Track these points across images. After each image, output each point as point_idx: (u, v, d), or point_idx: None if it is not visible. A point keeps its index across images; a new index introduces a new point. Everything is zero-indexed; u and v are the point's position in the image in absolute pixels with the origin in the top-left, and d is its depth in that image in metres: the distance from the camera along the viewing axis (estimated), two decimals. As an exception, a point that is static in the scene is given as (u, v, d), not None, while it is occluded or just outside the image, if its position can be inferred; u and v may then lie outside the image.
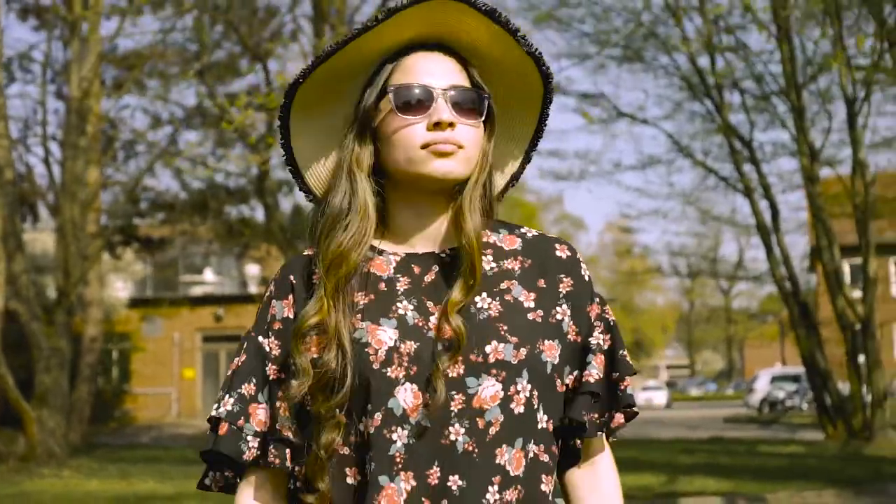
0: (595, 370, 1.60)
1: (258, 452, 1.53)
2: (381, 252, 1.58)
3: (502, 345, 1.50)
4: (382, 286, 1.55)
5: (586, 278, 1.64)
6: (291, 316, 1.55)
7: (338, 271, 1.50)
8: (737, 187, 18.01)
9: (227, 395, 1.56)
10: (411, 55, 1.57)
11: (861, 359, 17.20)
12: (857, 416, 16.74)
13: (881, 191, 23.40)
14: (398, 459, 1.46)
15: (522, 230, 1.65)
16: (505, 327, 1.52)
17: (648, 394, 42.90)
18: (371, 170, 1.56)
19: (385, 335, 1.50)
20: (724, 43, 17.19)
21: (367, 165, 1.55)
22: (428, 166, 1.52)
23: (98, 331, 18.88)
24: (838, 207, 19.84)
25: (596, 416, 1.60)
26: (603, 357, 1.61)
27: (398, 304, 1.53)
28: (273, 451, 1.52)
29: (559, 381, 1.57)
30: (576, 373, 1.59)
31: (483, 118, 1.57)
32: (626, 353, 1.64)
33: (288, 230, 17.96)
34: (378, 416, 1.47)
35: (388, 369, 1.48)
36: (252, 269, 32.51)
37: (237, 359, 1.58)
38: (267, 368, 1.56)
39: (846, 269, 37.39)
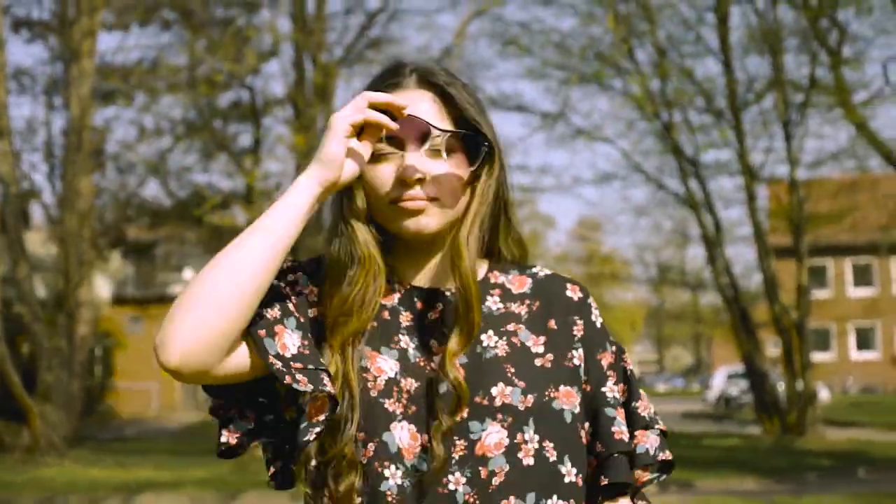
0: (623, 426, 1.52)
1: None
2: (387, 280, 1.49)
3: (509, 388, 1.43)
4: (386, 314, 1.48)
5: (598, 324, 1.56)
6: (310, 299, 1.48)
7: (345, 328, 1.41)
8: (686, 202, 19.53)
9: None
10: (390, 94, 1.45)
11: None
12: (791, 413, 18.29)
13: (833, 197, 25.04)
14: (390, 499, 1.38)
15: (534, 270, 1.58)
16: (512, 370, 1.45)
17: (613, 389, 44.06)
18: (368, 218, 1.47)
19: (385, 364, 1.43)
20: (673, 67, 18.71)
21: (362, 212, 1.46)
22: (398, 224, 1.45)
23: (89, 330, 20.07)
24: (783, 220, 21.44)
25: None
26: (623, 411, 1.54)
27: (400, 337, 1.46)
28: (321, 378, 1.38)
29: (582, 431, 1.49)
30: (587, 426, 1.51)
31: (470, 158, 1.47)
32: (640, 404, 1.56)
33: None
34: (371, 447, 1.39)
35: (387, 401, 1.40)
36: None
37: None
38: (290, 303, 1.45)
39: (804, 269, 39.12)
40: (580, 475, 1.46)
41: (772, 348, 29.47)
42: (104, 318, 30.39)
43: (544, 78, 19.79)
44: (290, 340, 1.40)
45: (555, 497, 1.42)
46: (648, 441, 1.54)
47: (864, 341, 39.55)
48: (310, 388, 1.37)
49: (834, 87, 18.81)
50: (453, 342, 1.42)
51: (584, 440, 1.49)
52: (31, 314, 16.70)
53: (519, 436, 1.41)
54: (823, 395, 29.16)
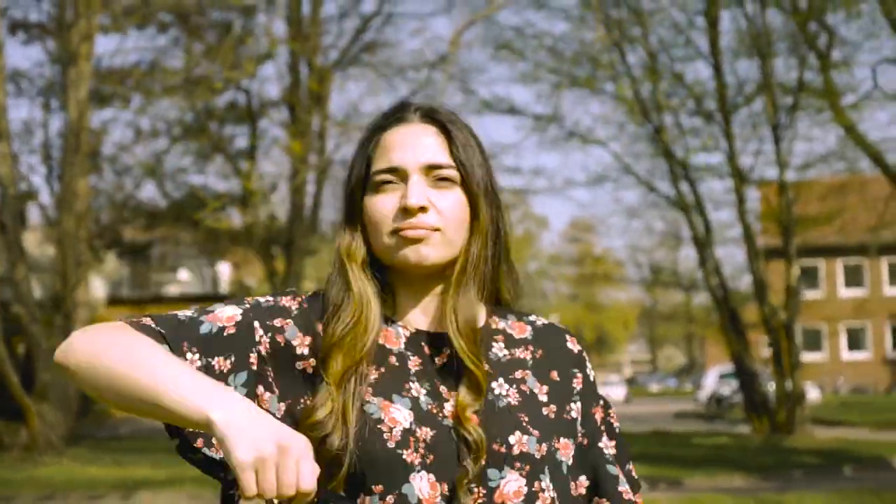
0: (628, 487, 1.54)
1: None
2: (392, 322, 1.49)
3: (526, 437, 1.42)
4: (393, 360, 1.45)
5: (591, 377, 1.57)
6: (299, 351, 1.43)
7: (334, 363, 1.39)
8: (677, 204, 19.76)
9: (196, 354, 1.39)
10: (389, 130, 1.48)
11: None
12: (780, 412, 18.54)
13: (822, 199, 25.32)
14: None
15: (531, 318, 1.58)
16: (526, 418, 1.44)
17: (606, 389, 44.22)
18: (366, 259, 1.47)
19: (399, 415, 1.39)
20: (664, 71, 18.95)
21: (360, 255, 1.47)
22: (399, 253, 1.43)
23: (86, 330, 20.29)
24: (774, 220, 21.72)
25: None
26: (622, 470, 1.56)
27: (411, 385, 1.43)
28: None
29: (573, 483, 1.50)
30: (583, 479, 1.52)
31: (469, 197, 1.46)
32: (632, 466, 1.58)
33: (265, 237, 19.30)
34: (390, 500, 1.36)
35: (404, 452, 1.37)
36: (224, 269, 33.78)
37: (224, 315, 1.43)
38: (252, 357, 1.40)
39: (796, 269, 39.39)
40: None
41: (764, 348, 29.68)
42: (100, 318, 30.55)
43: (537, 81, 20.02)
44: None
45: None
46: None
47: (855, 341, 39.83)
48: (219, 455, 1.35)
49: (823, 91, 19.11)
50: (463, 395, 1.41)
51: (573, 492, 1.50)
52: (29, 315, 16.89)
53: (536, 484, 1.41)
54: (814, 394, 29.42)
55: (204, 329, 1.41)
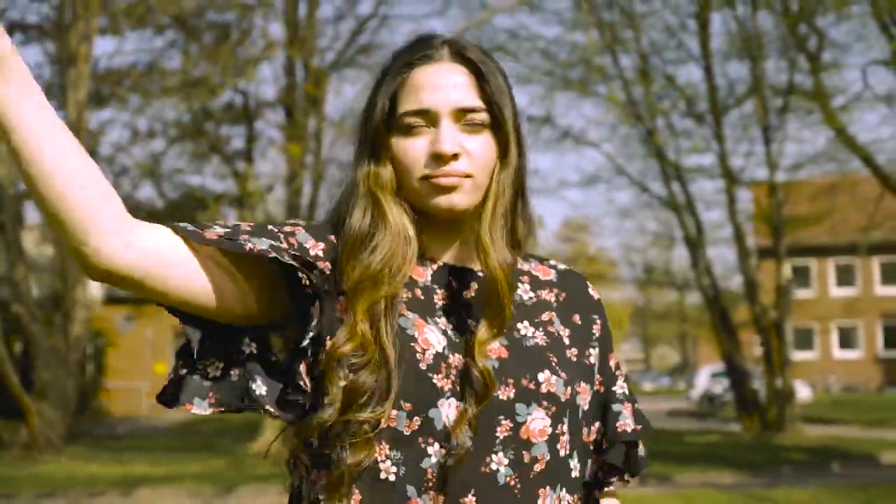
0: (629, 420, 1.55)
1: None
2: (419, 255, 1.46)
3: (554, 377, 1.42)
4: (419, 293, 1.44)
5: (607, 325, 1.58)
6: (313, 252, 1.41)
7: (370, 293, 1.36)
8: (669, 204, 20.00)
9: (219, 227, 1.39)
10: (417, 69, 1.44)
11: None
12: (770, 410, 18.79)
13: (813, 199, 25.59)
14: (430, 475, 1.34)
15: (551, 262, 1.58)
16: (555, 360, 1.44)
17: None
18: (395, 188, 1.44)
19: (433, 337, 1.39)
20: (657, 74, 19.18)
21: (389, 185, 1.43)
22: (429, 200, 1.41)
23: (83, 329, 20.42)
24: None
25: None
26: (630, 406, 1.56)
27: (437, 319, 1.43)
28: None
29: (585, 429, 1.50)
30: (597, 424, 1.53)
31: (497, 139, 1.44)
32: (639, 407, 1.60)
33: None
34: (417, 421, 1.34)
35: (435, 376, 1.36)
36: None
37: (237, 226, 1.40)
38: (280, 241, 1.38)
39: (788, 268, 39.71)
40: (581, 471, 1.49)
41: (756, 347, 29.94)
42: (96, 317, 30.69)
43: (530, 84, 20.24)
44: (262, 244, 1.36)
45: (565, 490, 1.43)
46: (644, 450, 1.60)
47: (847, 340, 40.09)
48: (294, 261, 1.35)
49: (813, 92, 19.35)
50: (483, 331, 1.39)
51: (586, 438, 1.51)
52: (29, 314, 17.07)
53: (559, 426, 1.41)
54: (805, 393, 29.68)
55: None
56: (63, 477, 13.58)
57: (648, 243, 45.75)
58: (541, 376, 1.41)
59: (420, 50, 1.46)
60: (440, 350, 1.38)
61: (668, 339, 74.64)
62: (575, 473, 1.46)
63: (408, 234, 1.42)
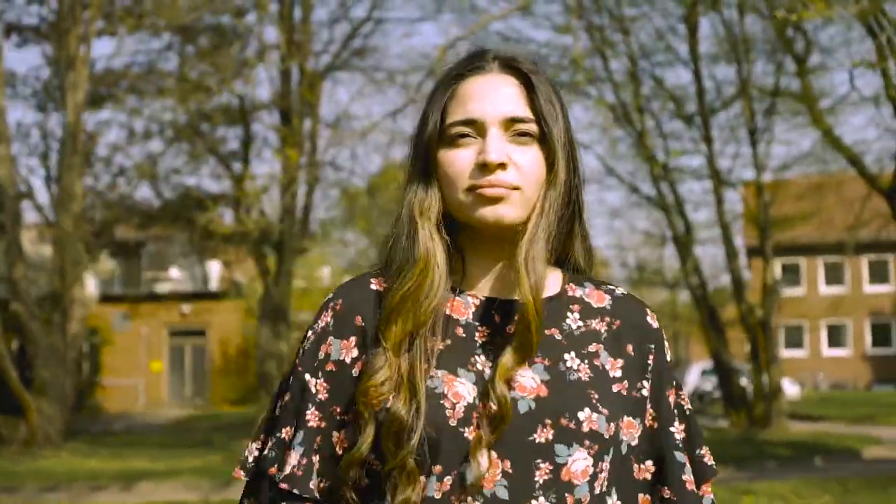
0: (692, 476, 1.48)
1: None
2: (460, 292, 1.43)
3: (596, 415, 1.36)
4: (460, 331, 1.40)
5: (668, 357, 1.51)
6: (349, 360, 1.41)
7: (395, 326, 1.36)
8: (658, 205, 20.33)
9: (269, 439, 1.44)
10: (467, 79, 1.42)
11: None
12: (757, 406, 19.15)
13: (801, 198, 25.98)
14: None
15: (610, 287, 1.51)
16: (596, 396, 1.38)
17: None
18: (440, 218, 1.41)
19: (463, 389, 1.35)
20: (646, 76, 19.52)
21: (434, 213, 1.40)
22: (475, 212, 1.38)
23: (80, 327, 20.72)
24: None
25: None
26: (688, 457, 1.49)
27: (476, 358, 1.38)
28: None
29: (636, 465, 1.45)
30: (649, 463, 1.47)
31: (546, 154, 1.40)
32: (706, 451, 1.52)
33: (257, 238, 19.73)
34: (448, 481, 1.32)
35: (466, 429, 1.33)
36: (214, 267, 34.17)
37: (285, 396, 1.45)
38: (308, 413, 1.41)
39: (777, 267, 40.10)
40: None
41: (746, 345, 30.29)
42: (92, 315, 30.92)
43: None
44: (292, 459, 1.40)
45: None
46: (711, 495, 1.51)
47: (835, 338, 40.48)
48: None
49: (801, 94, 19.70)
50: (507, 358, 1.35)
51: (636, 475, 1.45)
52: (28, 312, 17.37)
53: (600, 465, 1.36)
54: (793, 390, 30.05)
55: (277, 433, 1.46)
56: (64, 471, 13.88)
57: (640, 242, 46.06)
58: (581, 415, 1.35)
59: (471, 63, 1.44)
60: (470, 401, 1.35)
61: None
62: None
63: (437, 263, 1.39)
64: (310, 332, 1.46)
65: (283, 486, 1.39)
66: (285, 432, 1.43)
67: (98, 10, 18.70)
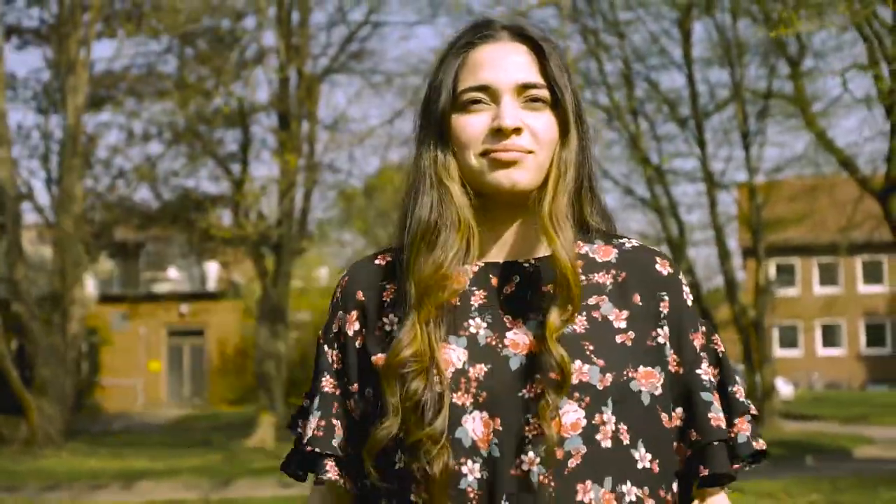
0: (721, 413, 1.45)
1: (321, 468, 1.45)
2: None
3: (587, 366, 1.36)
4: (455, 300, 1.41)
5: (689, 302, 1.50)
6: (352, 333, 1.47)
7: (437, 295, 1.37)
8: (653, 207, 20.57)
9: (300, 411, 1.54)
10: (478, 48, 1.45)
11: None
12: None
13: (794, 200, 26.22)
14: (472, 495, 1.34)
15: (621, 240, 1.51)
16: (591, 347, 1.38)
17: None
18: (462, 176, 1.43)
19: (454, 355, 1.37)
20: (640, 80, 19.75)
21: (457, 174, 1.42)
22: (490, 177, 1.39)
23: (80, 328, 20.91)
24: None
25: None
26: (719, 395, 1.46)
27: (470, 321, 1.41)
28: (328, 464, 1.44)
29: (664, 415, 1.42)
30: (679, 410, 1.44)
31: (559, 118, 1.43)
32: (738, 388, 1.49)
33: (256, 238, 19.92)
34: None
35: (455, 395, 1.35)
36: (212, 268, 34.34)
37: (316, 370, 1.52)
38: (324, 380, 1.47)
39: (772, 267, 40.37)
40: (657, 461, 1.40)
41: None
42: (91, 315, 31.04)
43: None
44: (312, 423, 1.47)
45: (629, 483, 1.36)
46: (748, 429, 1.48)
47: (830, 338, 40.72)
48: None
49: (794, 98, 19.90)
50: (554, 316, 1.36)
51: (667, 424, 1.42)
52: (29, 313, 17.55)
53: (597, 417, 1.35)
54: (787, 390, 30.29)
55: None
56: (65, 471, 14.07)
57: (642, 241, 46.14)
58: (571, 367, 1.35)
59: (480, 31, 1.46)
60: (459, 366, 1.37)
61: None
62: (643, 464, 1.38)
63: (470, 223, 1.41)
64: (330, 307, 1.55)
65: (307, 448, 1.46)
66: (309, 401, 1.51)
67: (98, 12, 18.87)
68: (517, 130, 1.39)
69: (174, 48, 21.54)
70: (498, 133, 1.38)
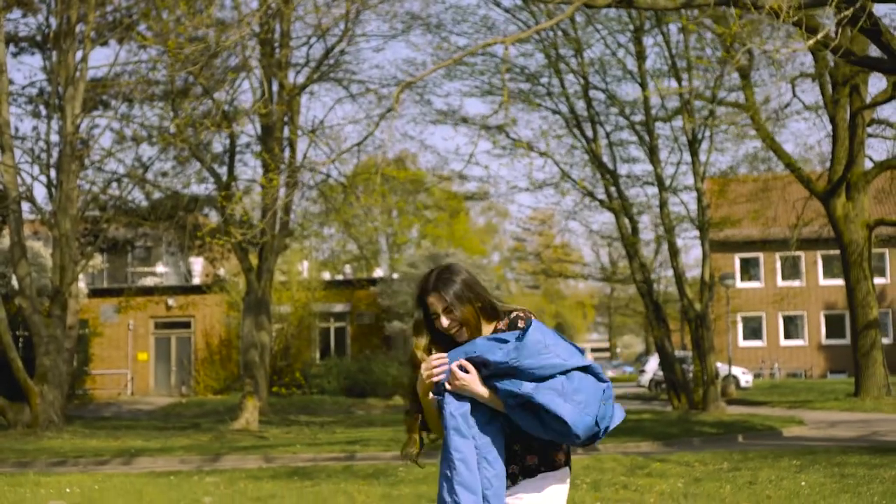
0: None
1: None
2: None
3: None
4: None
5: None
6: None
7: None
8: (609, 207, 22.14)
9: None
10: (428, 296, 3.19)
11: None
12: (697, 391, 21.00)
13: (749, 199, 27.85)
14: None
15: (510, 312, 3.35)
16: None
17: (562, 375, 46.22)
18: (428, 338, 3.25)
19: None
20: (598, 88, 21.31)
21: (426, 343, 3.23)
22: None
23: (75, 320, 22.38)
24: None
25: None
26: None
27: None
28: None
29: None
30: None
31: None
32: None
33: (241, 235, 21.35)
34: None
35: None
36: (197, 263, 35.61)
37: None
38: None
39: (737, 261, 41.94)
40: None
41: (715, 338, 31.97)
42: (82, 308, 32.21)
43: (486, 96, 22.30)
44: None
45: None
46: None
47: (792, 329, 42.37)
48: None
49: (745, 105, 21.57)
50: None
51: None
52: (31, 307, 19.04)
53: None
54: (746, 378, 31.93)
55: None
56: (70, 449, 15.56)
57: (614, 238, 47.70)
58: None
59: (426, 289, 3.19)
60: None
61: (636, 328, 76.97)
62: None
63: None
64: None
65: None
66: None
67: (94, 26, 20.25)
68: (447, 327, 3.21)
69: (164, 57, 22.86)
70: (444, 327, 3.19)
